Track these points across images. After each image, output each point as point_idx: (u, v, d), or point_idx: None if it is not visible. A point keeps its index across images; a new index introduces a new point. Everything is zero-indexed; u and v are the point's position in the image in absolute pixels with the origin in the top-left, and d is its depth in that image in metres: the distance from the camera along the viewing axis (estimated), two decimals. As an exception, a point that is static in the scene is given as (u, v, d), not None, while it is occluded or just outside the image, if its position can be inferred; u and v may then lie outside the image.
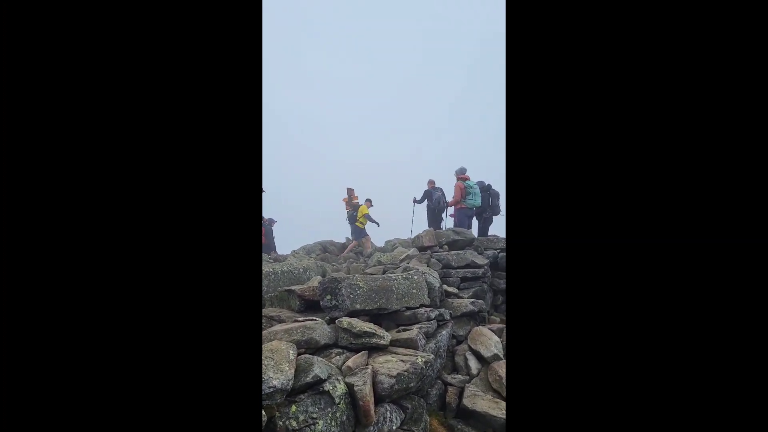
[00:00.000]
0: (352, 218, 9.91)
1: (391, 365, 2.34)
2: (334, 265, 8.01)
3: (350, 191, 11.92)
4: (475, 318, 4.03)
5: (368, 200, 9.99)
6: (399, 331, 3.03)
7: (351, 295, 3.03)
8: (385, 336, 2.64)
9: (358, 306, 3.03)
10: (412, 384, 2.32)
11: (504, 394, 2.74)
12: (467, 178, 7.04)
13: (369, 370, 2.19)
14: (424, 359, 2.52)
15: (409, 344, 2.76)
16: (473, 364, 3.13)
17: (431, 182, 8.40)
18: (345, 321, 2.65)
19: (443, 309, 3.48)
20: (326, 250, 10.48)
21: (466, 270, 4.72)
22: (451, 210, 7.40)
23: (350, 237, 11.61)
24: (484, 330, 3.48)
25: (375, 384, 2.17)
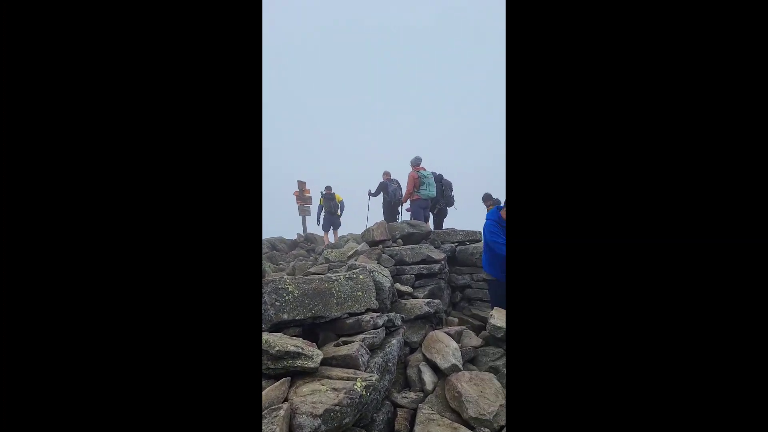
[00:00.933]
0: (334, 208, 9.01)
1: (318, 397, 1.76)
2: (280, 264, 7.28)
3: (302, 184, 11.16)
4: (431, 320, 3.57)
5: (328, 187, 9.18)
6: (338, 345, 2.46)
7: (276, 303, 2.42)
8: (315, 355, 2.06)
9: (285, 316, 2.42)
10: (347, 419, 1.76)
11: (464, 415, 2.27)
12: (422, 168, 6.63)
13: (283, 411, 1.60)
14: (365, 383, 1.97)
15: (348, 362, 2.21)
16: (428, 378, 2.64)
17: (386, 174, 7.93)
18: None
19: (394, 313, 2.96)
20: (275, 248, 9.65)
21: (422, 266, 4.26)
22: (407, 204, 6.97)
23: (302, 233, 10.86)
24: (440, 335, 3.01)
25: (292, 429, 1.59)
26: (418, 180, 6.48)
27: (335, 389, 1.85)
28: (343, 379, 2.00)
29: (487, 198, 6.88)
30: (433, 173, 6.81)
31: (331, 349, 2.37)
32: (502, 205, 3.41)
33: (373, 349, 2.52)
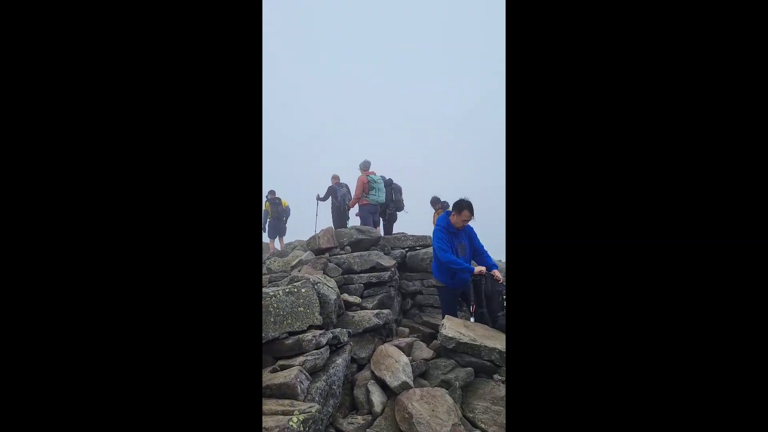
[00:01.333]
0: (280, 213, 8.43)
1: (243, 443, 1.48)
2: (219, 276, 6.70)
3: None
4: (381, 332, 3.38)
5: (272, 192, 8.65)
6: (274, 370, 2.18)
7: (200, 327, 2.08)
8: (244, 389, 1.77)
9: (211, 341, 2.09)
10: (280, 465, 1.50)
11: (415, 438, 2.10)
12: (372, 173, 6.46)
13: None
14: (302, 416, 1.72)
15: (285, 391, 1.94)
16: (377, 398, 2.44)
17: (335, 178, 7.67)
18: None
19: (340, 329, 2.72)
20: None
21: (371, 274, 4.07)
22: (356, 209, 6.75)
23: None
24: (390, 349, 2.83)
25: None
26: (367, 184, 6.29)
27: (266, 429, 1.58)
28: (277, 414, 1.74)
29: (435, 201, 6.85)
30: (383, 177, 6.66)
31: (266, 377, 2.09)
32: (451, 209, 3.32)
33: (315, 371, 2.27)
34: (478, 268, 3.13)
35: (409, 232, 5.86)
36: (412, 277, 4.97)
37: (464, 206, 3.18)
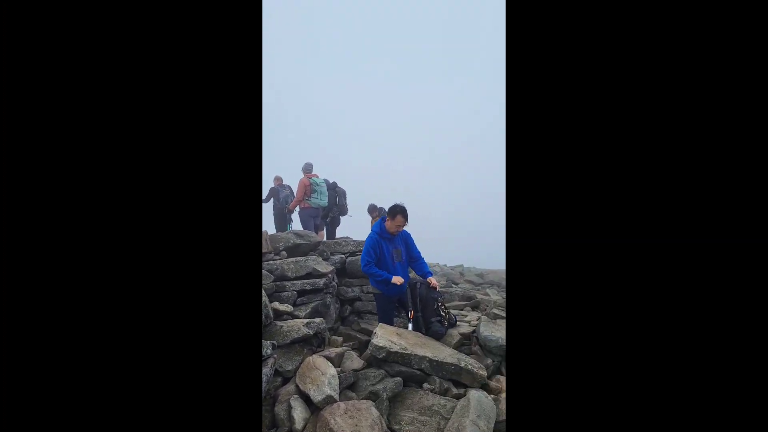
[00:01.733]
0: None
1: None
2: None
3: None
4: (312, 342, 3.23)
5: None
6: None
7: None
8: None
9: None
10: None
11: (335, 456, 1.98)
12: (314, 175, 6.28)
13: None
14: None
15: (187, 416, 1.73)
16: (299, 414, 2.29)
17: (278, 179, 7.38)
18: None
19: (263, 341, 2.54)
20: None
21: (305, 281, 3.89)
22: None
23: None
24: (318, 361, 2.69)
25: None
26: (309, 187, 6.10)
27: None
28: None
29: (372, 209, 6.82)
30: (326, 180, 6.51)
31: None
32: (386, 215, 3.27)
33: (228, 390, 2.07)
34: (396, 278, 3.13)
35: (355, 237, 5.76)
36: (351, 283, 4.86)
37: (398, 211, 3.15)
